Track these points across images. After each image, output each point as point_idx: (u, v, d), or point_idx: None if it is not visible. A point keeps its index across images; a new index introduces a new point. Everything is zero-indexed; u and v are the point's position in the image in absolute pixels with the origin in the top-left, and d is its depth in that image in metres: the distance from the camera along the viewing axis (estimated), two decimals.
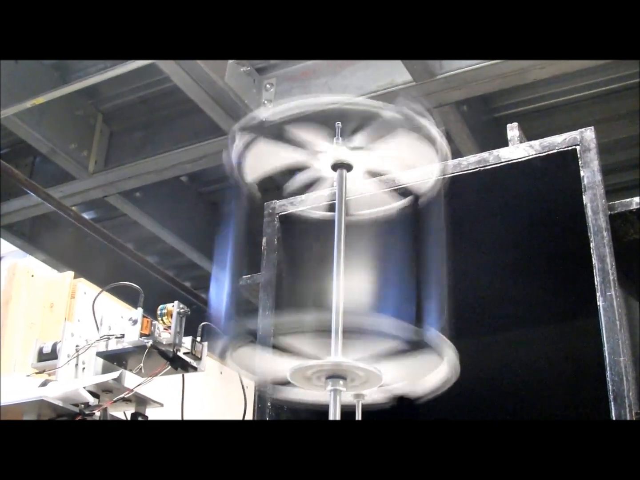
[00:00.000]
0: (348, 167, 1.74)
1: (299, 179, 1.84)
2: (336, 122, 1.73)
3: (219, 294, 1.95)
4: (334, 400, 1.55)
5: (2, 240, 5.46)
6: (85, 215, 5.20)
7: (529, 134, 2.34)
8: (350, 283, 1.64)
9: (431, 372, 1.61)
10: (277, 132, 1.73)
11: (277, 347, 1.63)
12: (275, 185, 1.99)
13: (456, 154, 2.34)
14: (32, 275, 3.12)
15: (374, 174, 1.81)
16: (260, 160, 1.79)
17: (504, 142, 2.31)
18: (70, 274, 3.15)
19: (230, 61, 3.99)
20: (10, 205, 5.12)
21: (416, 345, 1.54)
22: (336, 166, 1.74)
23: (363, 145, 1.71)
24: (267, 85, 4.19)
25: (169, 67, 3.95)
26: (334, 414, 1.54)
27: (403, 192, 1.95)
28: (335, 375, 1.55)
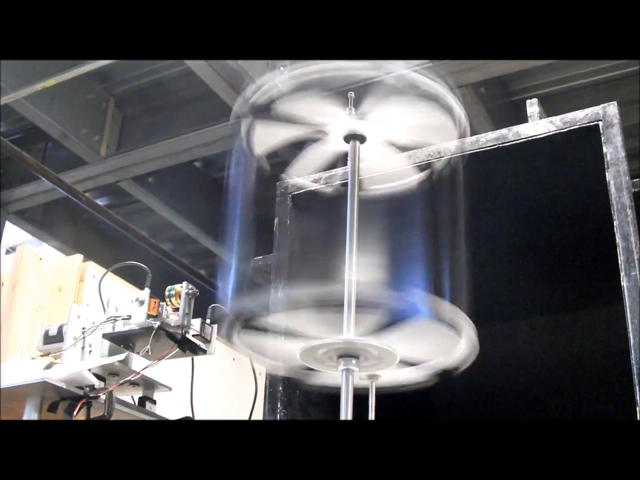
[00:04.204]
0: (361, 139, 1.67)
1: (310, 153, 1.78)
2: (349, 92, 1.66)
3: (227, 275, 1.89)
4: (347, 380, 1.48)
5: (16, 228, 5.42)
6: (98, 202, 5.14)
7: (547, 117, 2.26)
8: (364, 259, 1.57)
9: (450, 348, 1.53)
10: (287, 104, 1.66)
11: (287, 327, 1.56)
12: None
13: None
14: (40, 259, 3.06)
15: (389, 146, 1.73)
16: (270, 132, 1.72)
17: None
18: (79, 257, 3.08)
19: None
20: (22, 191, 5.08)
21: (432, 322, 1.47)
22: (349, 137, 1.66)
23: (377, 115, 1.64)
24: (281, 67, 4.12)
25: None
26: (346, 396, 1.47)
27: (420, 166, 1.88)
28: (348, 354, 1.48)
